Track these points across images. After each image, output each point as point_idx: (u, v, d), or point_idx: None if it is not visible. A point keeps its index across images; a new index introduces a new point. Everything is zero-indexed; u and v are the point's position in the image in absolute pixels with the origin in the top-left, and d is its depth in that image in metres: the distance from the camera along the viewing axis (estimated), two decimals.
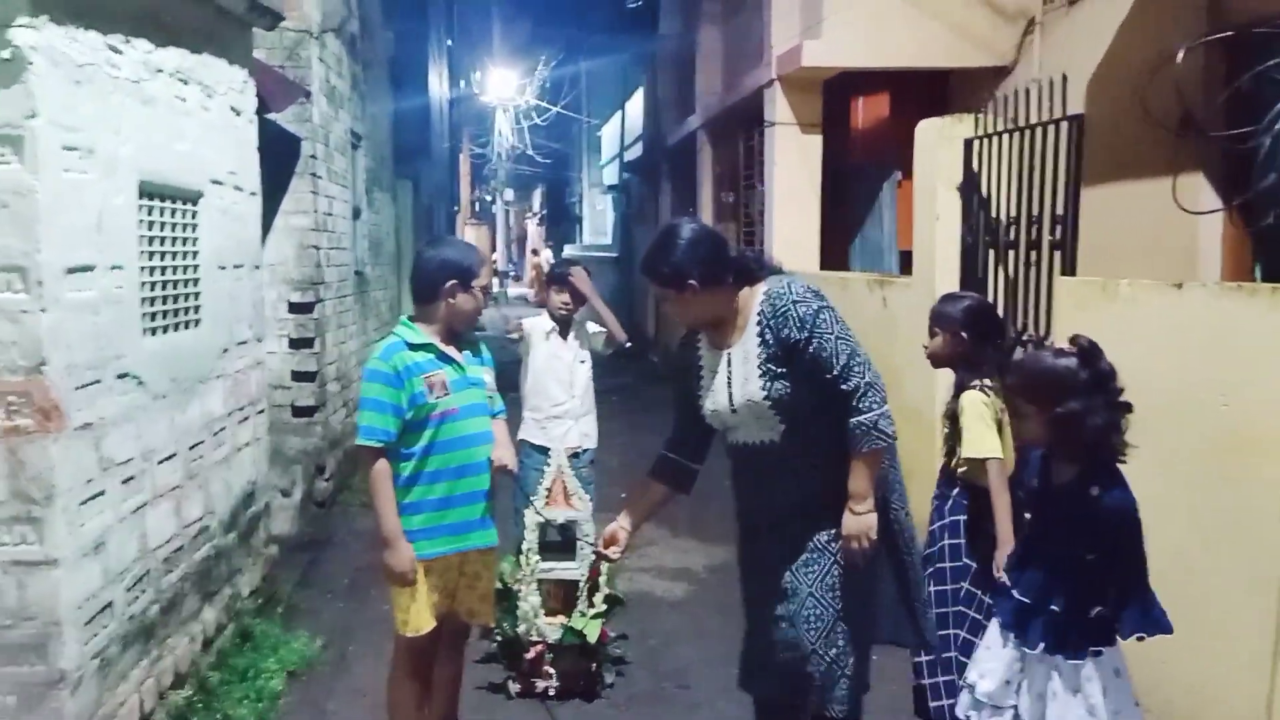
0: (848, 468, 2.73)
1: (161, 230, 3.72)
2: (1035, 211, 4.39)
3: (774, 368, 2.72)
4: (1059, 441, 2.52)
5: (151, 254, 3.62)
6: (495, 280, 35.14)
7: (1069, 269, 4.15)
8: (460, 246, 3.36)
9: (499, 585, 4.22)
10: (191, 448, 3.97)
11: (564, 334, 4.80)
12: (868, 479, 2.73)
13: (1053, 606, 2.52)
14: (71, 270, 2.97)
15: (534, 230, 47.10)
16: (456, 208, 22.45)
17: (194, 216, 4.04)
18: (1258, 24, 4.63)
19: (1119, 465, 2.49)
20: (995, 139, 4.73)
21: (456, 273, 3.18)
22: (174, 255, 3.84)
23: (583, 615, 4.12)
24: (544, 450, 4.61)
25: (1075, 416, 2.42)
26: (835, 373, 2.67)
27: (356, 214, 8.42)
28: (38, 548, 2.88)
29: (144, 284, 3.53)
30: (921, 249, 5.40)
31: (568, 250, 30.05)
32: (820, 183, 8.57)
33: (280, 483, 6.38)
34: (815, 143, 8.48)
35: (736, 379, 2.80)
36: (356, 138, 8.43)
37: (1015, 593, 2.64)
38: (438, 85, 15.99)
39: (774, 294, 2.75)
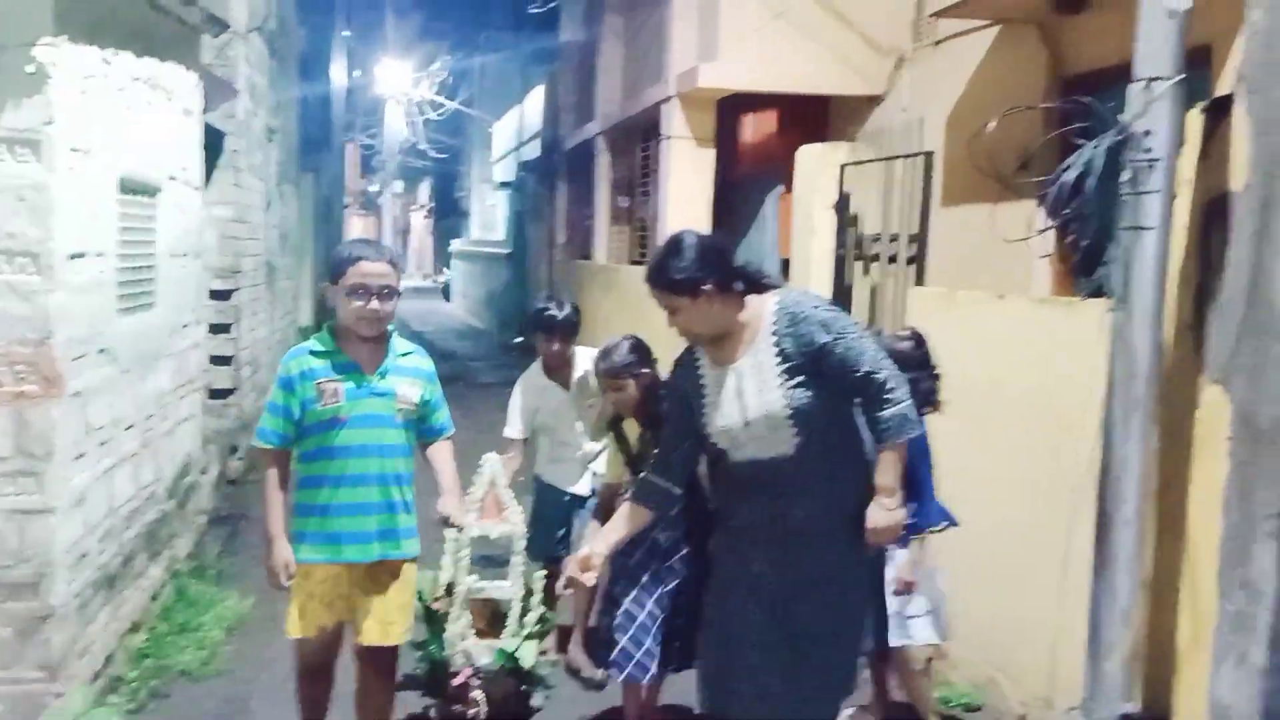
0: (857, 479, 2.78)
1: (132, 221, 4.13)
2: (895, 230, 5.15)
3: (795, 376, 2.69)
4: None
5: (124, 242, 4.03)
6: None
7: (920, 280, 4.91)
8: (345, 245, 3.25)
9: (420, 604, 3.85)
10: (146, 419, 4.38)
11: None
12: (897, 471, 2.73)
13: None
14: (73, 256, 3.40)
15: (420, 223, 47.00)
16: (348, 199, 22.51)
17: (154, 209, 4.44)
18: (1093, 74, 5.48)
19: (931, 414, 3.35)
20: (864, 166, 5.48)
21: (329, 271, 3.15)
22: (139, 244, 4.25)
23: (515, 637, 3.84)
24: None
25: (914, 382, 2.95)
26: (864, 368, 2.66)
27: (267, 206, 8.74)
28: (38, 498, 3.30)
29: (119, 269, 3.95)
30: (798, 260, 6.12)
31: (455, 245, 30.17)
32: (711, 191, 9.28)
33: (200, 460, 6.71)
34: (708, 155, 9.17)
35: (749, 392, 2.74)
36: (271, 131, 8.76)
37: None
38: (337, 77, 16.18)
39: (791, 303, 2.75)
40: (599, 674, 4.12)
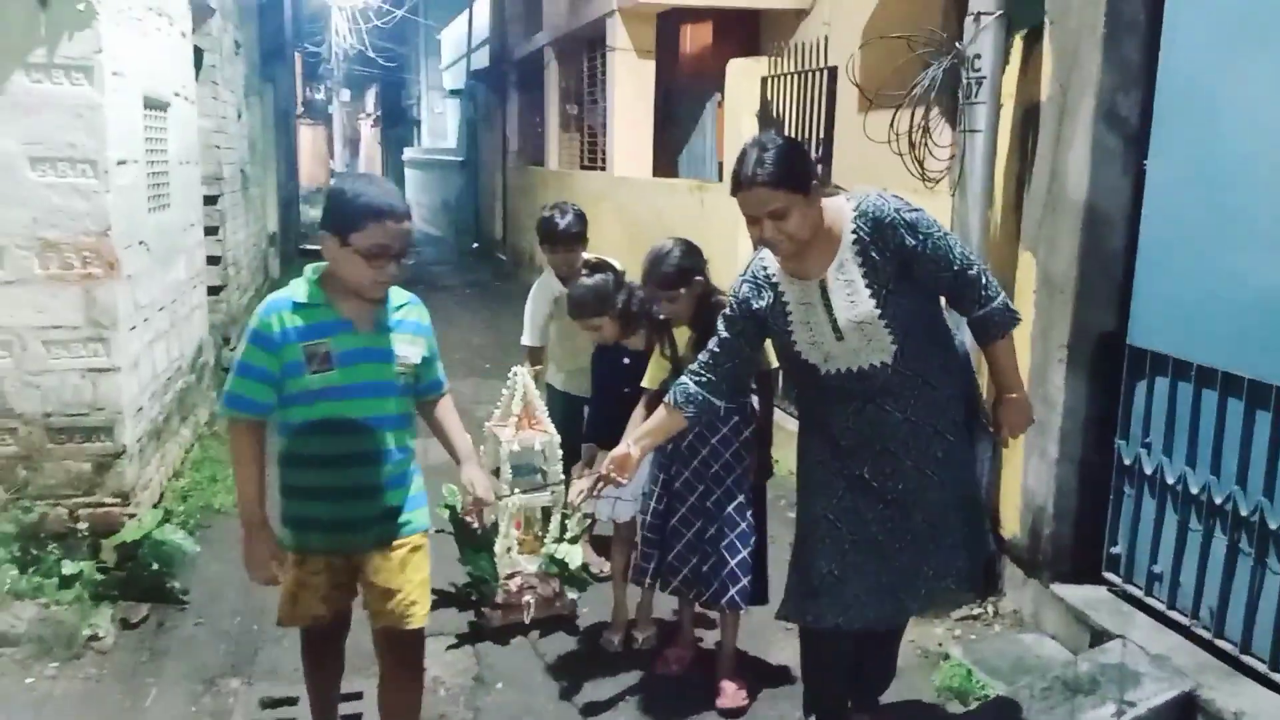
0: (953, 377, 2.77)
1: (152, 133, 4.85)
2: (806, 135, 5.98)
3: (885, 283, 2.60)
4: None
5: (149, 151, 4.76)
6: None
7: (827, 182, 5.77)
8: (358, 193, 2.45)
9: (451, 519, 3.90)
10: (171, 303, 5.16)
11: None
12: (1014, 362, 2.76)
13: None
14: (119, 163, 4.14)
15: (368, 132, 46.67)
16: (300, 109, 22.71)
17: (166, 122, 5.15)
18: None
19: None
20: (782, 79, 6.28)
21: (331, 219, 2.47)
22: (158, 153, 4.98)
23: (558, 543, 3.95)
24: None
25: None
26: (957, 265, 2.62)
27: (239, 116, 9.33)
28: (106, 359, 4.10)
29: (147, 174, 4.69)
30: (730, 163, 6.95)
31: (408, 153, 30.34)
32: (653, 101, 10.01)
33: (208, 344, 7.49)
34: (649, 66, 9.88)
35: (839, 303, 2.64)
36: (237, 45, 9.29)
37: None
38: None
39: (872, 208, 2.59)
40: (606, 567, 4.20)
